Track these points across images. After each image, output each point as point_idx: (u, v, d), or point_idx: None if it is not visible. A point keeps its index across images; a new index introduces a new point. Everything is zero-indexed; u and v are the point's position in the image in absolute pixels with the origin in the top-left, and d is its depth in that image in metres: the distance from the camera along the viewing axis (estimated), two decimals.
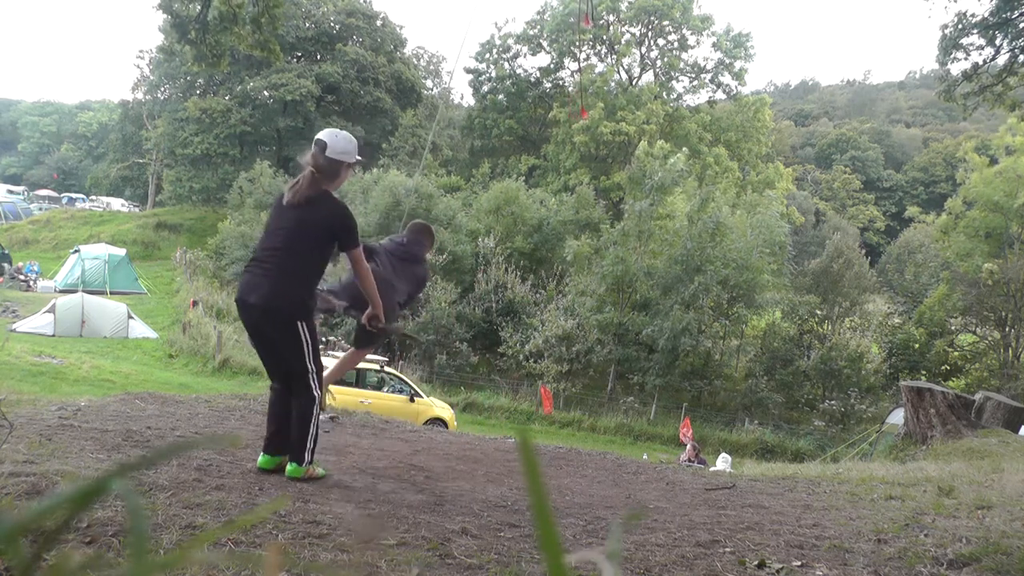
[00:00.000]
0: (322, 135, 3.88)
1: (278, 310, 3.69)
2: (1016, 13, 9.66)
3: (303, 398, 3.80)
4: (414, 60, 53.47)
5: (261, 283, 3.70)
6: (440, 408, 15.02)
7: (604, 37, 46.78)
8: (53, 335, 20.56)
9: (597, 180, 40.66)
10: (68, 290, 26.40)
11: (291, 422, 3.81)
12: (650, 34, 47.85)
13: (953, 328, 27.01)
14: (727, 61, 46.75)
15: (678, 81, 48.60)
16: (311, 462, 3.80)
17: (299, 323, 3.71)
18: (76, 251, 30.07)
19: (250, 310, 3.74)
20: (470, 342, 25.08)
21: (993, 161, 29.62)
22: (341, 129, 4.15)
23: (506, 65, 49.38)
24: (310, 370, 3.79)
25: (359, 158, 4.01)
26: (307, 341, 3.76)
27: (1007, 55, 9.96)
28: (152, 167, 50.55)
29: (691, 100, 48.37)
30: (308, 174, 3.75)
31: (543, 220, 31.26)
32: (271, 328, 3.74)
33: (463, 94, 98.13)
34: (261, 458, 3.86)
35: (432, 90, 55.19)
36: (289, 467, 3.77)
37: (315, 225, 3.72)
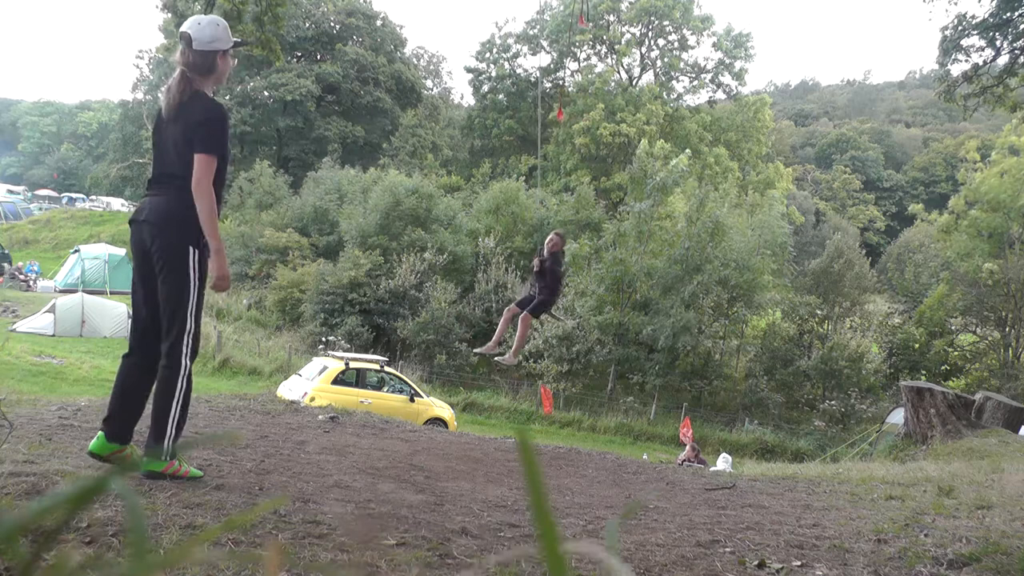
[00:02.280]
0: (185, 27, 3.39)
1: (168, 229, 3.22)
2: (1016, 14, 9.66)
3: (169, 366, 3.20)
4: (414, 60, 53.48)
5: (153, 202, 3.33)
6: (440, 408, 15.01)
7: (604, 37, 46.80)
8: (53, 335, 20.56)
9: (597, 181, 40.67)
10: (68, 290, 26.41)
11: (151, 399, 3.22)
12: (650, 34, 47.87)
13: (953, 328, 27.01)
14: (727, 61, 46.77)
15: (678, 81, 48.67)
16: (174, 454, 3.14)
17: (191, 249, 3.23)
18: (76, 251, 30.08)
19: (139, 229, 3.32)
20: (470, 342, 25.09)
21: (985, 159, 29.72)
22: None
23: (506, 65, 49.40)
24: (188, 328, 3.21)
25: (235, 40, 3.52)
26: (194, 280, 3.23)
27: (1007, 56, 9.96)
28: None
29: (691, 100, 48.45)
30: (178, 74, 3.33)
31: (543, 220, 31.27)
32: (157, 253, 3.24)
33: (463, 94, 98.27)
34: (95, 439, 3.23)
35: (432, 90, 55.19)
36: (144, 460, 3.15)
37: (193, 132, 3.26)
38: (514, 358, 7.49)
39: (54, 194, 56.84)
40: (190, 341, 3.23)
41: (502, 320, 7.37)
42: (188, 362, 3.23)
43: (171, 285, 3.22)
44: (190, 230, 3.22)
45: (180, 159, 3.26)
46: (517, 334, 7.12)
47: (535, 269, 7.13)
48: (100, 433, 3.24)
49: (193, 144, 3.23)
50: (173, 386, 3.17)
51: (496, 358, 7.78)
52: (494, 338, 7.44)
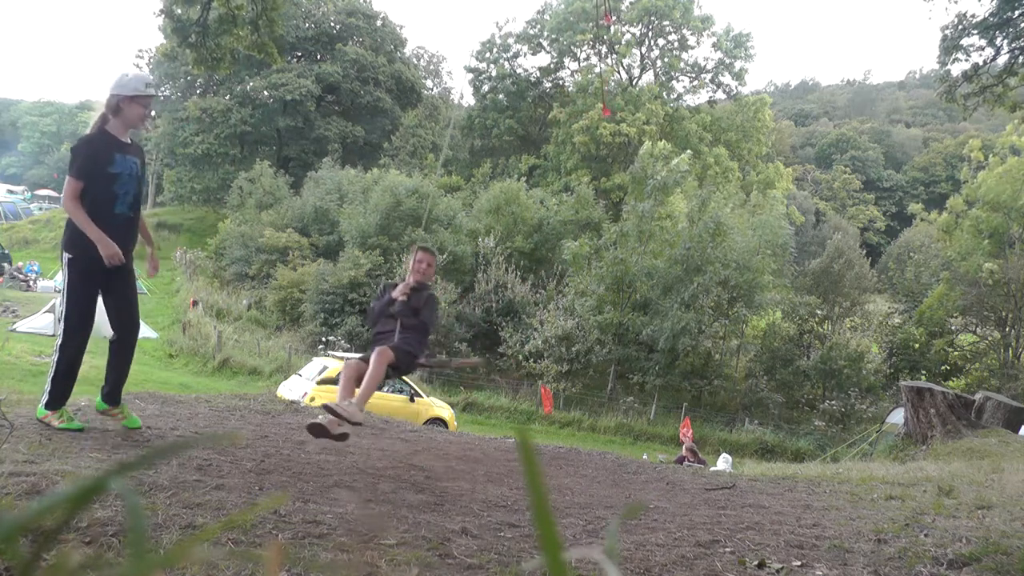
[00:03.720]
0: None
1: (62, 241, 3.97)
2: (1016, 13, 9.65)
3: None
4: (414, 60, 53.46)
5: None
6: (440, 408, 15.02)
7: (604, 37, 46.77)
8: (53, 335, 20.53)
9: (597, 181, 40.65)
10: None
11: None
12: (650, 34, 47.85)
13: (953, 328, 27.01)
14: (727, 61, 46.74)
15: (678, 81, 48.63)
16: (49, 406, 4.01)
17: (64, 255, 3.91)
18: None
19: None
20: (470, 342, 25.07)
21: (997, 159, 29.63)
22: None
23: (506, 64, 49.37)
24: (64, 312, 3.93)
25: (146, 92, 3.97)
26: (65, 277, 3.90)
27: (1007, 56, 9.96)
28: (152, 167, 50.58)
29: (691, 100, 48.40)
30: (98, 114, 3.99)
31: (543, 220, 31.26)
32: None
33: (463, 94, 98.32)
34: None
35: (432, 90, 55.15)
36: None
37: None
38: (358, 410, 4.25)
39: (54, 194, 56.79)
40: (64, 321, 3.96)
41: (343, 377, 4.60)
42: (64, 338, 3.98)
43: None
44: (67, 240, 3.92)
45: None
46: (368, 375, 4.40)
47: (400, 298, 4.61)
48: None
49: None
50: (54, 357, 3.99)
51: (330, 405, 4.31)
52: (338, 396, 4.48)
